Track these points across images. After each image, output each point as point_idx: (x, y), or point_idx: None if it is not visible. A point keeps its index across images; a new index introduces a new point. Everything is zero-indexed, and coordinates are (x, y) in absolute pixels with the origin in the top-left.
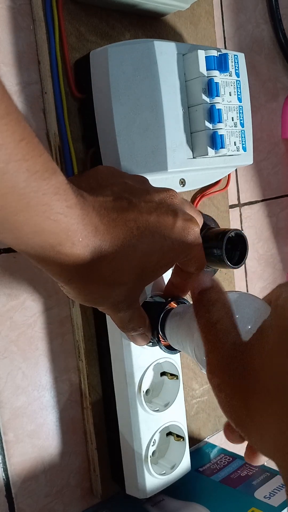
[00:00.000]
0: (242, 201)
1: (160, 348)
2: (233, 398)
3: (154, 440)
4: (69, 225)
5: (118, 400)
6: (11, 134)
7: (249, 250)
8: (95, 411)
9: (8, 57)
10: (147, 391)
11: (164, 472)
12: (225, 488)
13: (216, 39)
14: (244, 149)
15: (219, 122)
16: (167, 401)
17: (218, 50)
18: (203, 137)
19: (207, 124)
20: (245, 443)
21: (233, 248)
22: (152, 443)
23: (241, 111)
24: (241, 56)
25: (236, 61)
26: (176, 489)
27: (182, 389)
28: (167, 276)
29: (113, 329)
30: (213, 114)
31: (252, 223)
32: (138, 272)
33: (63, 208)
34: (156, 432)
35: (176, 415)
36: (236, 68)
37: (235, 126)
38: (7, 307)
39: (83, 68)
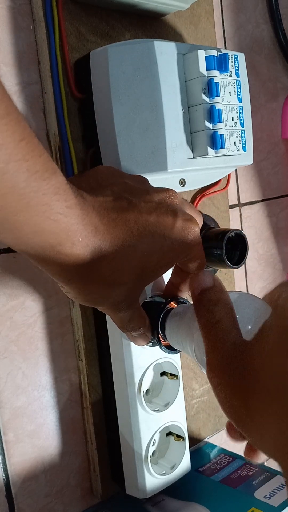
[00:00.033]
0: (242, 201)
1: (160, 348)
2: (233, 398)
3: (154, 440)
4: (69, 225)
5: (118, 400)
6: (11, 134)
7: (249, 250)
8: (95, 411)
9: (8, 57)
10: (147, 391)
11: (164, 472)
12: (225, 488)
13: (216, 39)
14: (244, 149)
15: (219, 122)
16: (167, 401)
17: (218, 50)
18: (203, 137)
19: (207, 124)
20: (246, 441)
21: (233, 248)
22: (152, 443)
23: (241, 111)
24: (241, 56)
25: (236, 61)
26: (176, 489)
27: (182, 389)
28: (167, 276)
29: (113, 329)
30: (213, 114)
31: (252, 223)
32: (138, 272)
33: (63, 208)
34: (156, 432)
35: (176, 415)
36: (236, 68)
37: (235, 126)
38: (7, 307)
39: (83, 68)
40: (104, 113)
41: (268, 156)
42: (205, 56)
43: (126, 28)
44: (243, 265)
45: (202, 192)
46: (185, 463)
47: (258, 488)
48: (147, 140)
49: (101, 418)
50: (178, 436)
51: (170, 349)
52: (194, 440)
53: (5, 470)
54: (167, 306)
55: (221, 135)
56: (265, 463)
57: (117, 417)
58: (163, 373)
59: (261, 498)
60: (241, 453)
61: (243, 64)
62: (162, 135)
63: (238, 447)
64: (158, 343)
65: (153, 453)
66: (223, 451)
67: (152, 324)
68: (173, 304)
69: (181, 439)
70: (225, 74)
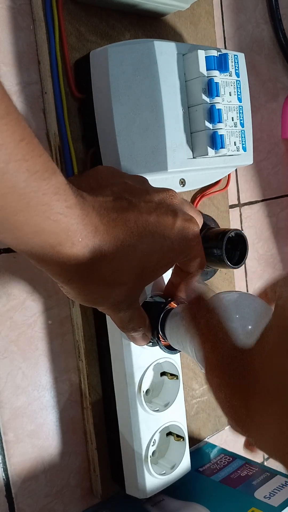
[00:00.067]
0: (242, 201)
1: (160, 348)
2: (233, 398)
3: (154, 440)
4: (69, 225)
5: (118, 400)
6: (11, 134)
7: (249, 250)
8: (95, 411)
9: (8, 57)
10: (147, 391)
11: (164, 472)
12: (225, 488)
13: (216, 39)
14: (244, 149)
15: (219, 122)
16: (167, 401)
17: (218, 50)
18: (203, 137)
19: (207, 124)
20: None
21: (233, 248)
22: (152, 443)
23: (241, 111)
24: (241, 56)
25: (236, 61)
26: (176, 489)
27: (182, 389)
28: (167, 276)
29: (113, 329)
30: (213, 114)
31: (252, 223)
32: (138, 272)
33: (63, 208)
34: (156, 432)
35: (176, 415)
36: (236, 68)
37: (235, 126)
38: (7, 307)
39: (83, 68)
40: (104, 113)
41: (268, 156)
42: (205, 56)
43: (126, 28)
44: (243, 265)
45: (202, 192)
46: (185, 463)
47: (258, 488)
48: (147, 140)
49: (101, 418)
50: (178, 436)
51: (170, 349)
52: (194, 440)
53: (5, 470)
54: (167, 306)
55: (221, 135)
56: (265, 463)
57: (117, 417)
58: (163, 373)
59: (261, 498)
60: (241, 453)
61: (243, 64)
62: (162, 135)
63: (238, 447)
64: (158, 343)
65: (153, 453)
66: (223, 451)
67: (152, 324)
68: (173, 304)
69: (181, 439)
70: (225, 74)
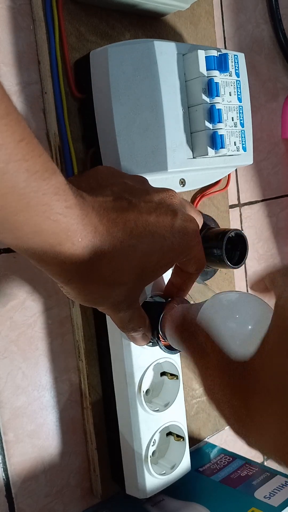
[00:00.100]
0: (242, 201)
1: (160, 348)
2: (233, 398)
3: (154, 440)
4: (69, 225)
5: (118, 400)
6: (11, 134)
7: (249, 250)
8: (95, 411)
9: (8, 57)
10: (147, 391)
11: (164, 472)
12: (225, 488)
13: (216, 39)
14: (244, 149)
15: (219, 122)
16: (167, 401)
17: (218, 50)
18: (203, 137)
19: (207, 124)
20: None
21: (233, 248)
22: (152, 443)
23: (241, 111)
24: (241, 56)
25: (236, 61)
26: (176, 489)
27: (182, 389)
28: (167, 276)
29: (113, 329)
30: (213, 114)
31: (252, 223)
32: (138, 272)
33: (63, 209)
34: (156, 432)
35: (176, 415)
36: (236, 68)
37: (235, 126)
38: (7, 307)
39: (83, 68)
40: (104, 113)
41: (268, 156)
42: (205, 56)
43: (126, 28)
44: (243, 265)
45: (202, 192)
46: (185, 463)
47: (258, 488)
48: (147, 140)
49: (101, 418)
50: (178, 436)
51: (170, 349)
52: (194, 440)
53: (5, 470)
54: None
55: (221, 135)
56: (265, 463)
57: (117, 417)
58: (163, 373)
59: (261, 498)
60: (241, 453)
61: (243, 64)
62: (162, 135)
63: (238, 447)
64: (158, 343)
65: (153, 453)
66: (223, 451)
67: (152, 324)
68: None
69: (181, 439)
70: (225, 74)
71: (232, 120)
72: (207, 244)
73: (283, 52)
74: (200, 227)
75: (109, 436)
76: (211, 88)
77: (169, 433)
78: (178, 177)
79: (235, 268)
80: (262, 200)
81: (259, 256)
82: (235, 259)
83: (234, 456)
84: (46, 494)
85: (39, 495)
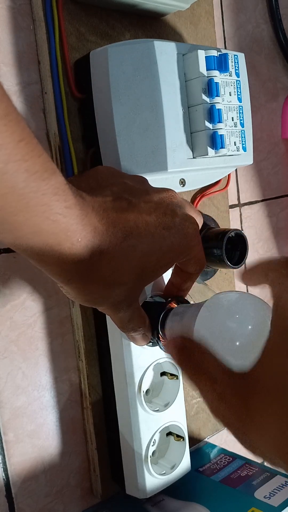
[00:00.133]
0: (242, 201)
1: (160, 348)
2: (233, 398)
3: (154, 440)
4: (68, 226)
5: (118, 400)
6: (10, 135)
7: (249, 250)
8: (95, 411)
9: (8, 57)
10: (147, 391)
11: (164, 472)
12: (225, 488)
13: (216, 39)
14: (244, 149)
15: (219, 122)
16: (167, 401)
17: (218, 50)
18: (203, 137)
19: (207, 124)
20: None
21: (233, 248)
22: (152, 443)
23: (241, 111)
24: (241, 56)
25: (236, 61)
26: (176, 489)
27: (182, 389)
28: (167, 276)
29: (113, 329)
30: (213, 114)
31: (252, 223)
32: (138, 272)
33: (62, 209)
34: (156, 432)
35: (176, 415)
36: (236, 68)
37: (235, 126)
38: (7, 307)
39: (83, 68)
40: (104, 113)
41: (268, 156)
42: (205, 56)
43: (126, 28)
44: (243, 265)
45: (202, 192)
46: (185, 463)
47: (258, 488)
48: (147, 140)
49: (101, 418)
50: (178, 436)
51: None
52: (194, 440)
53: (5, 470)
54: (167, 306)
55: (221, 135)
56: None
57: (117, 417)
58: (163, 373)
59: (261, 498)
60: (241, 453)
61: (243, 64)
62: (162, 135)
63: (238, 447)
64: (158, 343)
65: (153, 453)
66: (223, 451)
67: (152, 324)
68: (173, 304)
69: (181, 439)
70: (225, 74)
71: (232, 120)
72: (207, 244)
73: (283, 52)
74: (200, 227)
75: (109, 436)
76: (211, 88)
77: (169, 433)
78: (178, 177)
79: (235, 268)
80: (262, 200)
81: (259, 256)
82: (235, 259)
83: (234, 456)
84: (46, 494)
85: (39, 495)
